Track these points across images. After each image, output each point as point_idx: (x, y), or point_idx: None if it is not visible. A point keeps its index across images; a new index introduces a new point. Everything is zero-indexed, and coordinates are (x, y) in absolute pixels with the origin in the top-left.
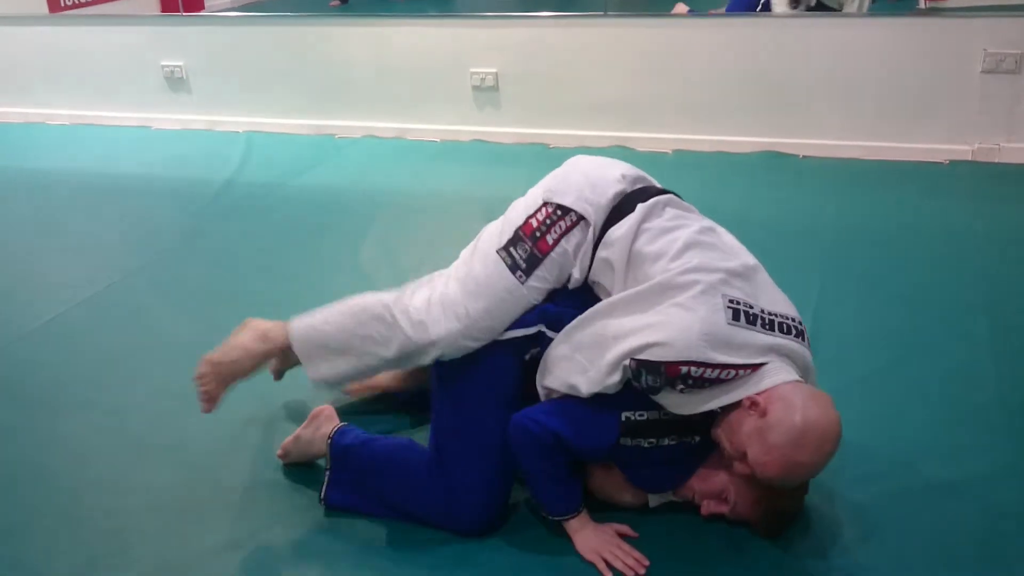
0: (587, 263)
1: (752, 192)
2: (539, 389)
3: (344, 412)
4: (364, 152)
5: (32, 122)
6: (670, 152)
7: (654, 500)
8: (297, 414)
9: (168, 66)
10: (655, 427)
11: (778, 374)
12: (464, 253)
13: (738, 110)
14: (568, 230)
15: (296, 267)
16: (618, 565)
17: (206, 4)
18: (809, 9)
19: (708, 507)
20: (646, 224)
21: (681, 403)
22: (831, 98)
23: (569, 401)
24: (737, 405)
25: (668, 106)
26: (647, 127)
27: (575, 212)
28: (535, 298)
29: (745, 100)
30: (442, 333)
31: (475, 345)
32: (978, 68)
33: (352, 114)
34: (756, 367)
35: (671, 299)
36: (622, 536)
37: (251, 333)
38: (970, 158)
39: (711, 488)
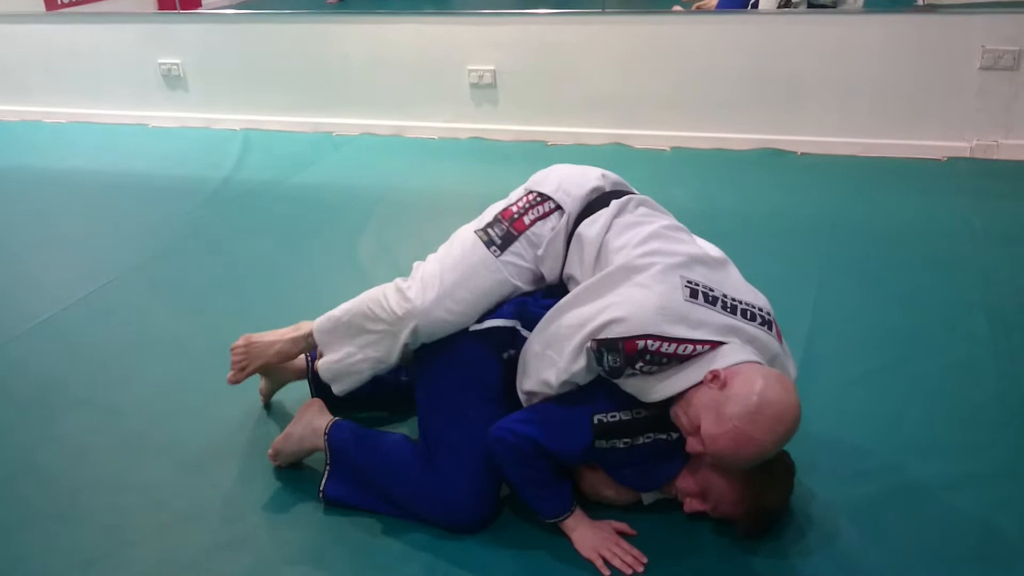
0: (560, 251)
1: (750, 189)
2: (520, 396)
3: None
4: (361, 150)
5: (29, 120)
6: (668, 149)
7: (647, 497)
8: (291, 414)
9: (165, 64)
10: (628, 427)
11: (739, 353)
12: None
13: (736, 107)
14: (545, 215)
15: (293, 265)
16: (616, 563)
17: (203, 1)
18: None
19: (690, 505)
20: (618, 219)
21: (644, 388)
22: (829, 95)
23: (541, 407)
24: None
25: (666, 103)
26: (645, 124)
27: (553, 200)
28: (510, 274)
29: (743, 97)
30: (418, 302)
31: (451, 319)
32: (976, 65)
33: (350, 112)
34: (715, 344)
35: (630, 280)
36: (620, 534)
37: (289, 327)
38: (968, 155)
39: (691, 486)
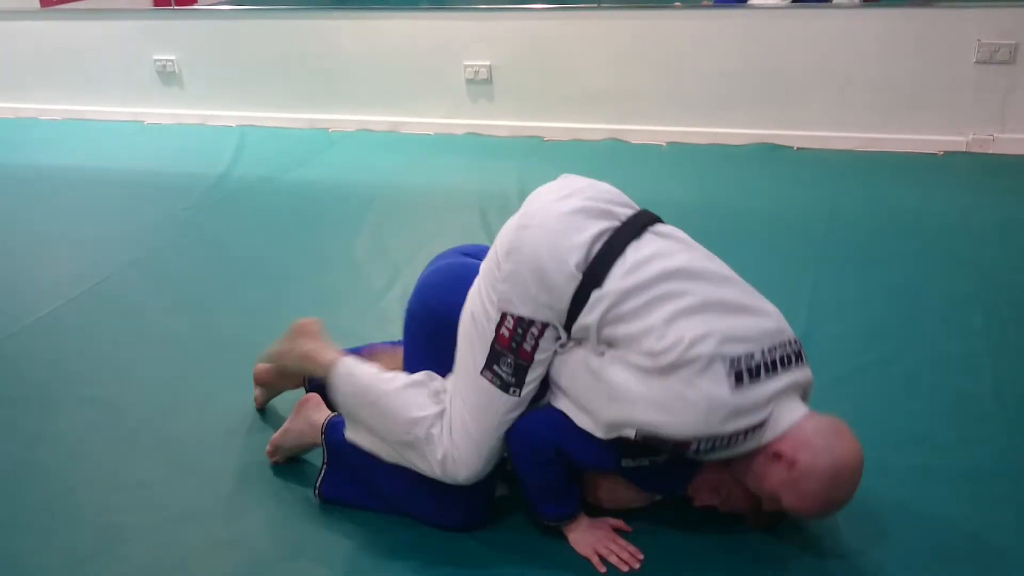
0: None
1: (747, 184)
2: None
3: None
4: (357, 146)
5: (24, 118)
6: (664, 144)
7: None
8: (287, 410)
9: (160, 60)
10: (655, 447)
11: (789, 414)
12: (461, 345)
13: (732, 102)
14: (540, 335)
15: (290, 261)
16: (612, 560)
17: None
18: (797, 0)
19: (701, 499)
20: (614, 312)
21: (669, 471)
22: (825, 89)
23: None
24: (755, 451)
25: (662, 98)
26: (641, 119)
27: (539, 321)
28: (532, 394)
29: (739, 92)
30: (463, 477)
31: (494, 459)
32: (972, 59)
33: (345, 108)
34: (764, 422)
35: (675, 374)
36: (616, 530)
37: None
38: (964, 149)
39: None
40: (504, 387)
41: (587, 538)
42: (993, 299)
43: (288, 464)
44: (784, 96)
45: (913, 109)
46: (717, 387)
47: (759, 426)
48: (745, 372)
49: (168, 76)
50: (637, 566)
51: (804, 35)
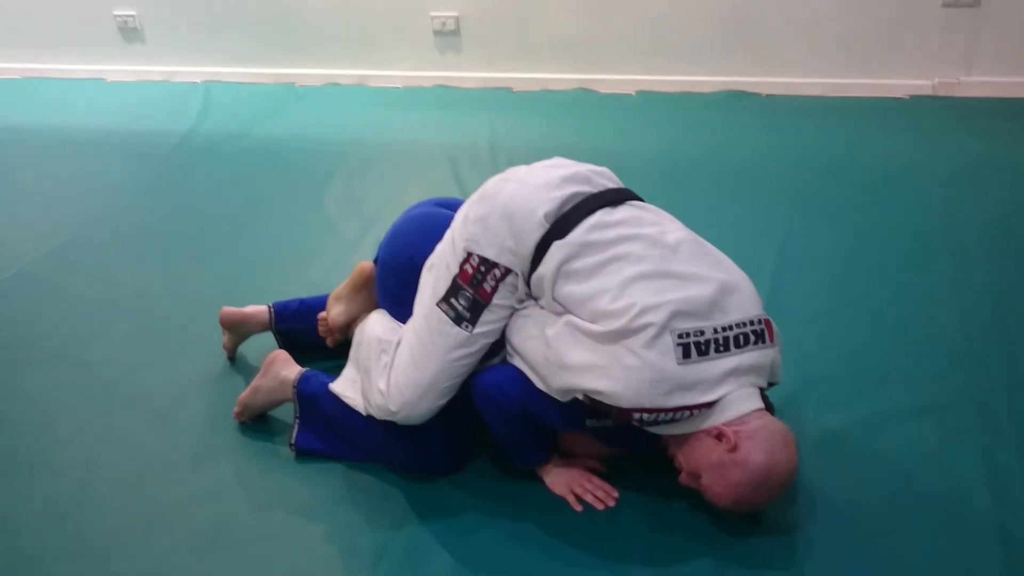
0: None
1: (716, 132)
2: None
3: (300, 360)
4: (325, 100)
5: None
6: (633, 94)
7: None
8: (257, 364)
9: (121, 16)
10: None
11: (741, 403)
12: (424, 280)
13: (701, 49)
14: (501, 279)
15: (259, 217)
16: (588, 499)
17: None
18: None
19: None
20: (570, 265)
21: (638, 429)
22: (793, 35)
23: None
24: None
25: (631, 46)
26: (610, 69)
27: (501, 265)
28: (487, 339)
29: (708, 39)
30: (402, 414)
31: (441, 402)
32: (939, 1)
33: (312, 61)
34: (712, 404)
35: (620, 343)
36: (592, 471)
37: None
38: (931, 93)
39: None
40: (457, 319)
41: (563, 479)
42: (960, 240)
43: (256, 423)
44: (753, 43)
45: (880, 53)
46: (663, 359)
47: (706, 407)
48: (693, 347)
49: (130, 32)
50: (612, 503)
51: None
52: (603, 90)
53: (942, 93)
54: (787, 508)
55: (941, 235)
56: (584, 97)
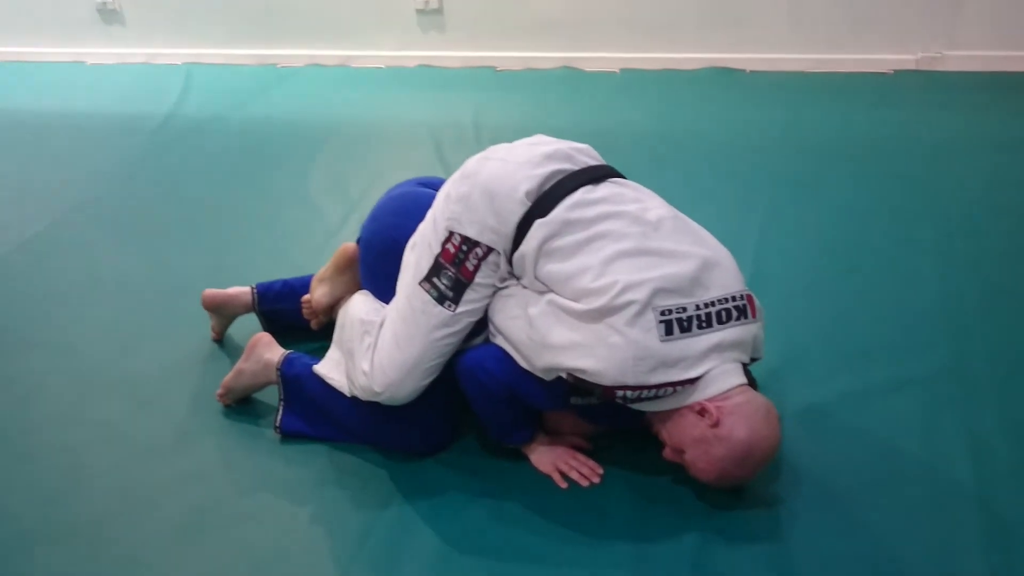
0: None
1: (700, 108)
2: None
3: (283, 342)
4: (308, 81)
5: None
6: (617, 71)
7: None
8: (242, 346)
9: None
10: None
11: (724, 379)
12: (406, 260)
13: (685, 26)
14: (483, 257)
15: (243, 200)
16: (574, 476)
17: None
18: None
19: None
20: (552, 244)
21: (623, 406)
22: (776, 11)
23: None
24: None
25: (615, 24)
26: (594, 47)
27: (483, 244)
28: (470, 318)
29: (691, 16)
30: (386, 395)
31: (426, 382)
32: None
33: (294, 43)
34: (695, 380)
35: (602, 321)
36: (576, 449)
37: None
38: (914, 67)
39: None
40: (440, 299)
41: (548, 456)
42: (943, 213)
43: (240, 405)
44: (736, 19)
45: (863, 28)
46: (646, 336)
47: (689, 383)
48: (676, 324)
49: (109, 14)
50: (597, 480)
51: None
52: (587, 68)
53: (925, 68)
54: (771, 482)
55: (924, 210)
56: (568, 75)
